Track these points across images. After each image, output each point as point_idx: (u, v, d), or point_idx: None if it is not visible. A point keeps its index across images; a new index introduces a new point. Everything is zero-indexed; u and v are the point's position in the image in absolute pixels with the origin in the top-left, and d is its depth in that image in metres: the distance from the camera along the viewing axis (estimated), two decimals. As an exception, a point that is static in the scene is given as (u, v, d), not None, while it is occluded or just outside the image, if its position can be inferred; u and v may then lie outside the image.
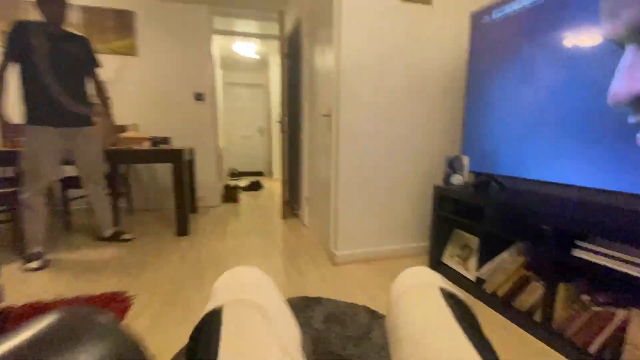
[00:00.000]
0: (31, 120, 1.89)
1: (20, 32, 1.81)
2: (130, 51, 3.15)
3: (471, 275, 1.71)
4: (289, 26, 3.15)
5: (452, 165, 1.84)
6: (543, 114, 1.39)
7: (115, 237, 2.37)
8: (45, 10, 1.87)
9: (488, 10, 1.65)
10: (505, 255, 1.49)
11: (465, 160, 1.79)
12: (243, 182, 5.22)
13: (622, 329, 1.05)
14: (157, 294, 1.61)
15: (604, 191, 1.23)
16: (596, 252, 1.09)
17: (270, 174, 6.32)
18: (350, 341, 1.24)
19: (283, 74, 2.90)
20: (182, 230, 2.52)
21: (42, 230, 1.98)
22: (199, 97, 3.40)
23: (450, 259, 1.90)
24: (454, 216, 1.80)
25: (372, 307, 1.48)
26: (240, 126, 6.92)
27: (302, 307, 1.53)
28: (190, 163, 3.21)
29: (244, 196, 4.33)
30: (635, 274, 0.98)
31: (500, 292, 1.49)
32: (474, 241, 1.75)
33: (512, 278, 1.44)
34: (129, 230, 2.58)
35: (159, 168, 3.44)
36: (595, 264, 1.09)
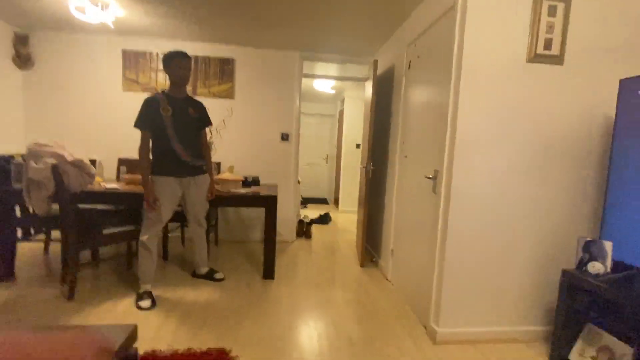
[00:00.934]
0: (158, 172, 2.10)
1: (149, 106, 2.07)
2: (229, 95, 3.41)
3: (617, 389, 1.42)
4: (379, 69, 3.15)
5: (589, 249, 1.59)
6: None
7: (209, 276, 2.50)
8: (172, 74, 2.10)
9: (648, 79, 1.42)
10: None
11: (608, 246, 1.53)
12: (312, 213, 5.27)
13: None
14: (259, 352, 1.61)
15: None
16: None
17: (335, 202, 6.32)
18: None
19: (371, 121, 2.87)
20: (269, 273, 2.56)
21: (154, 270, 2.17)
22: (285, 137, 3.54)
23: (580, 357, 1.61)
24: (588, 310, 1.54)
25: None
26: (306, 154, 7.09)
27: None
28: (274, 201, 3.31)
29: (314, 229, 4.34)
30: None
31: None
32: (619, 347, 1.46)
33: (693, 417, 1.15)
34: (217, 266, 2.71)
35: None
36: None
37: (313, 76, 3.99)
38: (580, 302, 1.58)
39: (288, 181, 3.64)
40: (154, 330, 1.79)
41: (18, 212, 2.46)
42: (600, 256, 1.55)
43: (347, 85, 5.23)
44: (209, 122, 2.35)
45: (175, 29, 2.99)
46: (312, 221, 4.48)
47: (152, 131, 2.09)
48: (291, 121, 3.56)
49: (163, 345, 1.64)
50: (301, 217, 4.15)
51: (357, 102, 5.45)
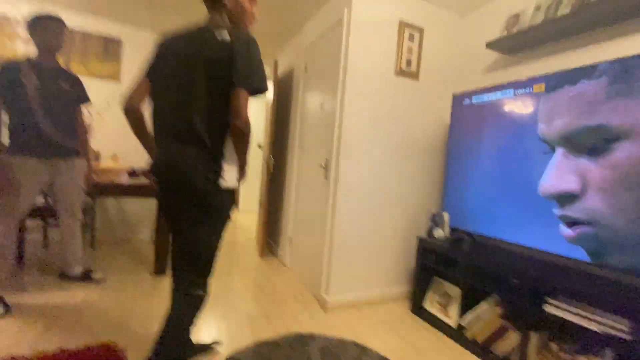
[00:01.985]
0: (14, 150, 1.75)
1: (8, 72, 1.74)
2: (113, 76, 3.05)
3: (451, 321, 1.91)
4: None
5: (435, 220, 2.09)
6: (504, 185, 1.71)
7: (84, 277, 2.17)
8: (39, 39, 1.81)
9: (469, 94, 2.00)
10: (484, 306, 1.72)
11: (446, 216, 2.06)
12: (209, 213, 5.06)
13: (584, 374, 1.29)
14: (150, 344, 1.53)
15: (563, 256, 1.53)
16: (563, 309, 1.35)
17: (236, 204, 6.20)
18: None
19: (273, 117, 3.03)
20: (161, 268, 2.40)
21: (6, 271, 1.78)
22: (181, 128, 3.36)
23: (430, 304, 2.10)
24: (435, 266, 2.02)
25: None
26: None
27: (299, 343, 1.58)
28: (166, 195, 3.10)
29: (212, 228, 4.20)
30: (594, 328, 1.25)
31: (480, 339, 1.70)
32: (454, 290, 1.98)
33: (490, 326, 1.66)
34: (95, 267, 2.38)
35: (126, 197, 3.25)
36: (562, 317, 1.34)
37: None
38: (429, 261, 2.06)
39: (184, 176, 3.45)
40: (12, 336, 1.49)
41: None
42: (441, 224, 2.06)
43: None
44: (85, 99, 2.06)
45: (43, -9, 2.54)
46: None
47: (8, 103, 1.75)
48: (188, 113, 3.40)
49: (25, 350, 1.39)
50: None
51: (258, 103, 5.54)
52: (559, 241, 1.48)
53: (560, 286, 1.39)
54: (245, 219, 5.14)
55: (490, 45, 1.96)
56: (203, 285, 1.21)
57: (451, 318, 1.92)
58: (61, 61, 1.90)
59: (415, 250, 2.15)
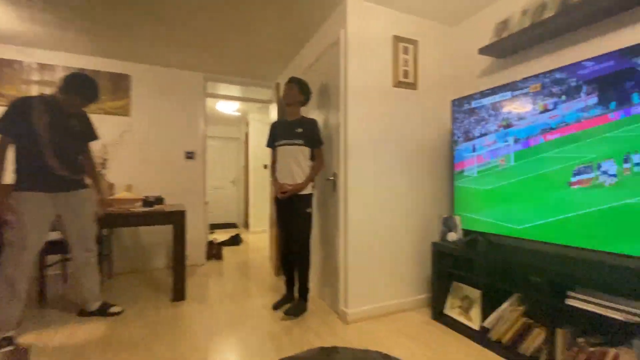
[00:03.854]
0: (20, 185, 1.80)
1: (20, 107, 1.81)
2: (124, 112, 3.19)
3: (474, 324, 1.89)
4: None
5: (447, 224, 2.11)
6: (512, 183, 1.74)
7: (102, 311, 2.17)
8: (74, 91, 1.93)
9: (467, 98, 2.06)
10: (506, 305, 1.71)
11: (458, 219, 2.08)
12: (222, 236, 5.11)
13: (615, 365, 1.28)
14: (178, 369, 1.55)
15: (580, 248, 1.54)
16: (586, 301, 1.35)
17: (245, 225, 6.25)
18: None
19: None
20: (179, 295, 2.42)
21: (18, 313, 1.77)
22: (190, 155, 3.47)
23: (451, 309, 2.08)
24: (452, 270, 2.03)
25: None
26: (212, 177, 6.89)
27: (322, 356, 1.57)
28: (182, 216, 3.16)
29: (225, 252, 4.23)
30: (619, 317, 1.24)
31: (505, 340, 1.68)
32: (473, 292, 1.97)
33: (515, 326, 1.65)
34: (113, 300, 2.41)
35: (142, 227, 3.31)
36: (585, 309, 1.34)
37: (217, 96, 4.06)
38: (446, 265, 2.07)
39: (196, 202, 3.53)
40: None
41: None
42: (454, 228, 2.08)
43: (251, 108, 5.44)
44: (94, 137, 2.15)
45: (58, 39, 2.71)
46: (223, 243, 4.37)
47: (16, 138, 1.81)
48: (196, 140, 3.52)
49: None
50: (211, 239, 4.02)
51: (262, 125, 5.68)
52: (574, 234, 1.49)
53: (581, 278, 1.39)
54: (257, 239, 5.17)
55: (482, 50, 2.04)
56: None
57: (474, 321, 1.90)
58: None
59: (430, 256, 2.16)
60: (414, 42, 2.31)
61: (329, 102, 2.39)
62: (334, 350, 1.66)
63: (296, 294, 2.30)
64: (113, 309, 2.19)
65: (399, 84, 2.27)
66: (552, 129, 1.60)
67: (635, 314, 1.21)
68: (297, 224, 2.21)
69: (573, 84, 1.52)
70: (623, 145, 1.35)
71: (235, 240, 4.74)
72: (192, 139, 3.50)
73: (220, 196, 7.03)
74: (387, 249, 2.22)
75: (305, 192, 2.21)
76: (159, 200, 2.77)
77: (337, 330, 1.97)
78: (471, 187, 2.03)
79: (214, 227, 6.39)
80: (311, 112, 2.75)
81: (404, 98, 2.29)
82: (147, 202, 2.69)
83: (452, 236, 2.07)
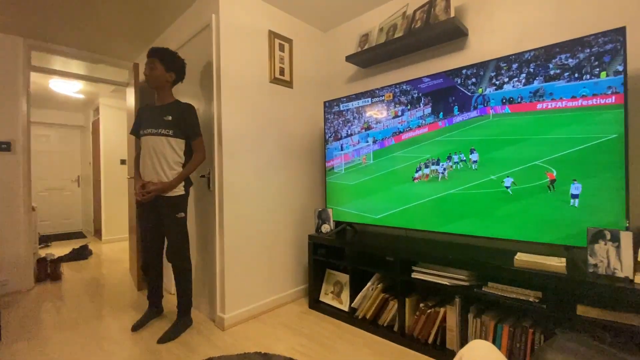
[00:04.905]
0: None
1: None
2: None
3: (344, 306, 2.09)
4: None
5: (321, 217, 2.25)
6: (373, 177, 2.01)
7: None
8: None
9: (336, 101, 2.24)
10: (369, 285, 1.95)
11: (330, 212, 2.24)
12: (60, 251, 4.03)
13: (443, 319, 1.62)
14: None
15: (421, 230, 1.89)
16: (425, 272, 1.66)
17: (97, 234, 5.14)
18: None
19: (138, 127, 2.66)
20: (-15, 337, 1.77)
21: None
22: (4, 146, 2.57)
23: (325, 296, 2.24)
24: (326, 258, 2.18)
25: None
26: (46, 176, 5.39)
27: None
28: (-14, 236, 2.31)
29: (66, 269, 3.36)
30: (446, 283, 1.58)
31: (369, 315, 1.92)
32: (343, 277, 2.17)
33: (376, 301, 1.90)
34: None
35: None
36: (424, 280, 1.65)
37: (49, 71, 3.15)
38: (320, 255, 2.21)
39: (14, 208, 2.65)
40: None
41: None
42: (327, 219, 2.24)
43: (102, 91, 4.47)
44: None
45: None
46: (61, 258, 3.47)
47: None
48: (15, 127, 2.64)
49: None
50: (43, 256, 3.11)
51: (118, 112, 4.77)
52: (416, 219, 1.82)
53: (422, 255, 1.70)
54: (113, 249, 4.32)
55: (348, 58, 2.25)
56: None
57: (344, 304, 2.10)
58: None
59: (307, 248, 2.26)
60: (289, 41, 2.35)
61: (203, 91, 2.18)
62: (208, 362, 1.54)
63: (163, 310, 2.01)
64: None
65: (275, 80, 2.26)
66: (400, 132, 1.91)
67: (456, 279, 1.57)
68: (168, 233, 1.90)
69: (415, 95, 1.84)
70: (448, 147, 1.72)
71: (80, 254, 3.83)
72: (7, 125, 2.60)
73: (58, 199, 5.57)
74: (266, 245, 2.21)
75: (175, 193, 1.88)
76: None
77: (214, 339, 1.84)
78: (340, 182, 2.23)
79: (50, 238, 5.01)
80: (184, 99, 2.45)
81: (280, 95, 2.31)
82: None
83: (325, 228, 2.22)
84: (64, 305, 2.38)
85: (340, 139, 2.23)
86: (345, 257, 2.18)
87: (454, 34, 1.84)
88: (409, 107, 1.88)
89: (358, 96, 2.12)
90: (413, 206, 1.85)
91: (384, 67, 2.27)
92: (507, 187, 1.52)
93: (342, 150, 2.22)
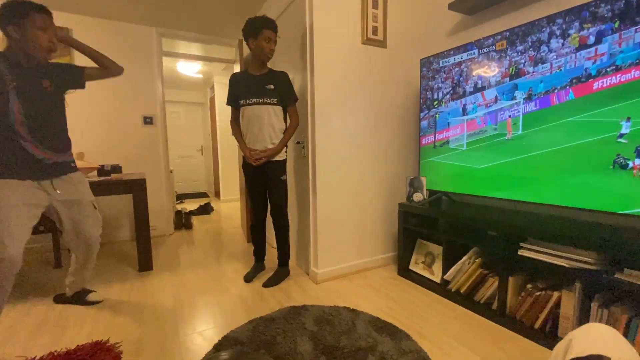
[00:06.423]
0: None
1: None
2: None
3: (436, 278, 2.01)
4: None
5: (413, 185, 2.15)
6: (479, 141, 1.77)
7: (77, 299, 1.87)
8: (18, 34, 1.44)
9: (435, 57, 2.02)
10: (465, 258, 1.82)
11: (423, 180, 2.12)
12: (191, 206, 4.97)
13: (557, 306, 1.41)
14: (145, 338, 1.53)
15: (532, 203, 1.62)
16: (536, 251, 1.44)
17: (216, 194, 6.11)
18: (342, 335, 1.45)
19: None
20: (146, 265, 2.36)
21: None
22: (148, 120, 3.22)
23: (415, 265, 2.19)
24: (418, 228, 2.10)
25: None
26: (178, 146, 6.57)
27: (293, 314, 1.64)
28: (142, 184, 3.00)
29: (195, 221, 4.14)
30: (563, 264, 1.35)
31: (463, 289, 1.80)
32: (436, 249, 2.07)
33: (472, 277, 1.76)
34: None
35: (101, 198, 3.12)
36: (534, 259, 1.44)
37: (175, 55, 3.73)
38: (411, 224, 2.14)
39: (158, 170, 3.35)
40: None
41: None
42: (419, 188, 2.12)
43: (216, 70, 5.08)
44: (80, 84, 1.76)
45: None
46: (192, 212, 4.27)
47: None
48: (154, 105, 3.26)
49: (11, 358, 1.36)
50: (179, 209, 3.89)
51: (222, 89, 5.37)
52: (528, 190, 1.57)
53: (533, 230, 1.48)
54: (229, 207, 5.09)
55: (452, 6, 1.97)
56: None
57: (436, 275, 2.01)
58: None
59: (397, 215, 2.21)
60: (383, -5, 2.18)
61: (295, 60, 2.25)
62: (303, 308, 1.71)
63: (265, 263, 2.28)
64: (91, 297, 1.89)
65: (368, 41, 2.16)
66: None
67: (577, 260, 1.32)
68: (273, 193, 2.08)
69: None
70: None
71: (205, 209, 4.64)
72: (150, 103, 3.23)
73: (188, 165, 6.77)
74: (355, 210, 2.25)
75: (280, 157, 2.04)
76: (116, 169, 2.59)
77: (308, 289, 2.02)
78: (457, 164, 2.05)
79: (183, 197, 6.21)
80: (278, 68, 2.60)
81: (373, 56, 2.21)
82: (103, 171, 2.50)
83: (418, 196, 2.12)
84: (195, 248, 2.96)
85: (464, 96, 1.81)
86: (438, 227, 2.06)
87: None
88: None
89: (462, 49, 1.85)
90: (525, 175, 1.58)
91: (494, 12, 1.91)
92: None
93: (464, 114, 1.83)
